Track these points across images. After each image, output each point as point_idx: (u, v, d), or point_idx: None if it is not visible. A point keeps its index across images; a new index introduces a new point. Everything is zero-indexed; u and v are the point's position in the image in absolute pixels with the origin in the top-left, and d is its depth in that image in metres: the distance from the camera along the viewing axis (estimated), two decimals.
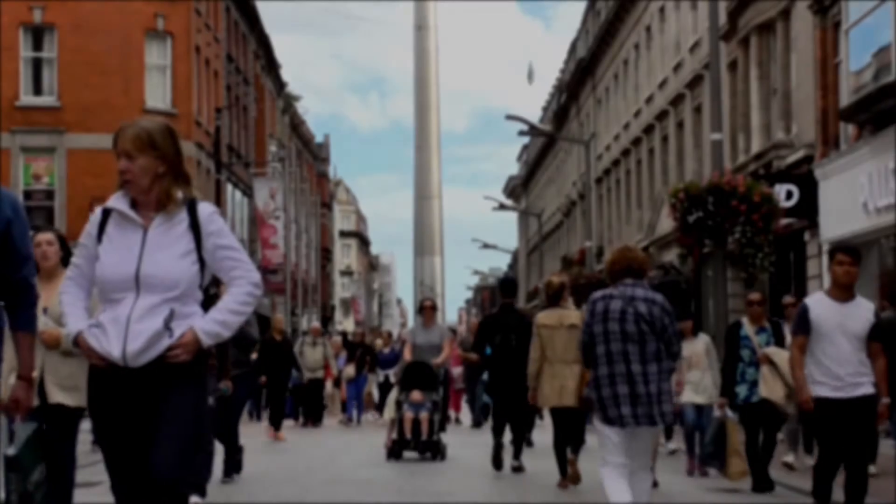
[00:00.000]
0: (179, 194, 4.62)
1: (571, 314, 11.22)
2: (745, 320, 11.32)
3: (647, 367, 7.29)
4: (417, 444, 14.47)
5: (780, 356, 10.59)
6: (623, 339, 7.31)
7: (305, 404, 23.56)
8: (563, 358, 11.02)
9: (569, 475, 11.20)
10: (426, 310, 15.71)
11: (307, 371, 22.39)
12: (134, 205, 4.63)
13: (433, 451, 14.46)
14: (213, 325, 4.58)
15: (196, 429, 4.60)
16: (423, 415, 14.46)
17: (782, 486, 11.18)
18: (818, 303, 8.06)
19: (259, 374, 19.55)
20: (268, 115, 51.90)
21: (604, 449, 7.41)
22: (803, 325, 7.98)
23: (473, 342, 14.39)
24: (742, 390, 10.98)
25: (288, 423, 22.54)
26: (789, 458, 12.71)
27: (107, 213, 4.66)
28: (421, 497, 10.59)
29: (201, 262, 4.60)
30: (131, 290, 4.51)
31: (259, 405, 28.81)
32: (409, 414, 14.48)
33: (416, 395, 14.52)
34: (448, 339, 15.63)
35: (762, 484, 10.96)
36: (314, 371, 22.73)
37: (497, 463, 12.57)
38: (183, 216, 4.61)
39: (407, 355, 15.42)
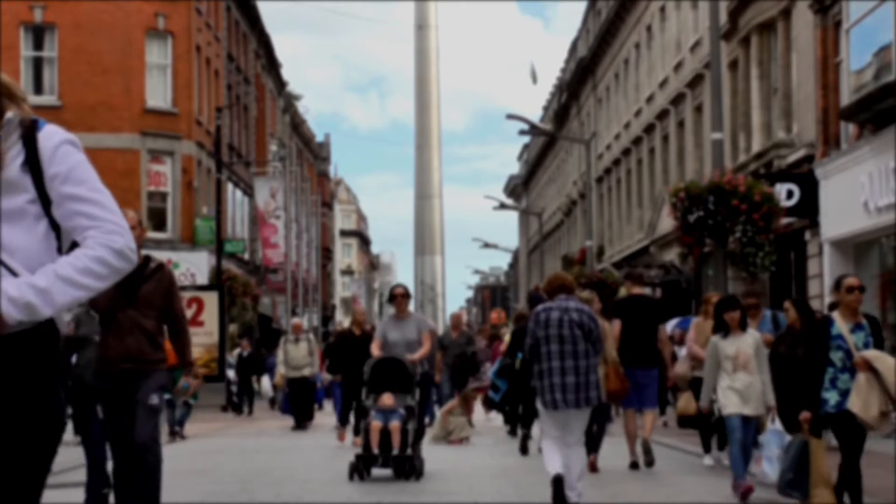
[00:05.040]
0: (9, 114, 3.08)
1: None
2: (836, 315, 8.71)
3: (578, 363, 9.27)
4: (387, 460, 11.93)
5: (885, 362, 8.46)
6: (559, 341, 9.30)
7: (295, 404, 22.07)
8: None
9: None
10: (397, 298, 13.10)
11: (291, 370, 21.30)
12: None
13: (406, 468, 11.89)
14: (24, 289, 2.89)
15: (40, 476, 3.02)
16: (394, 423, 11.90)
17: None
18: None
19: (334, 372, 19.04)
20: (268, 115, 51.89)
21: (544, 425, 9.69)
22: None
23: (507, 349, 16.37)
24: (832, 396, 8.51)
25: (287, 423, 22.53)
26: None
27: None
28: (422, 497, 10.59)
29: (50, 217, 3.07)
30: None
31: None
32: (376, 422, 11.93)
33: (386, 398, 12.06)
34: (427, 332, 13.09)
35: None
36: (299, 369, 21.36)
37: (524, 449, 15.01)
38: (18, 150, 3.06)
39: (375, 352, 12.76)
